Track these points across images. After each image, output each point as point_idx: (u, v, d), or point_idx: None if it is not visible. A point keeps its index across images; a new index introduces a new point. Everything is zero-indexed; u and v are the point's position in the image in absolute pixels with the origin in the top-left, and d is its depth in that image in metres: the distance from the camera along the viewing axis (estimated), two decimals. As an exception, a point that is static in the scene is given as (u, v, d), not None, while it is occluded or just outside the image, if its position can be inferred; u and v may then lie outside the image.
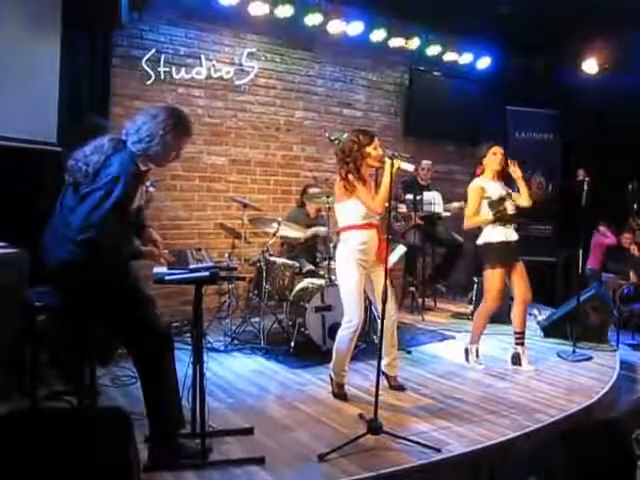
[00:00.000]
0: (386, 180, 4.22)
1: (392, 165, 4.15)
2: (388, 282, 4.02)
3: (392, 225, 7.49)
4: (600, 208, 7.18)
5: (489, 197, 5.20)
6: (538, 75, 9.09)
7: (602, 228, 8.66)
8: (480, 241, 5.32)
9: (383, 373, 4.65)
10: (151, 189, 5.64)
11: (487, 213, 5.22)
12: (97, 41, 5.91)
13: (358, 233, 4.40)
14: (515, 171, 5.33)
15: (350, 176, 4.36)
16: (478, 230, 5.36)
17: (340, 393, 4.55)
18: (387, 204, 4.17)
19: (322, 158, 8.07)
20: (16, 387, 3.86)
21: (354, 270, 4.37)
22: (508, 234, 5.22)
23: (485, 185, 5.24)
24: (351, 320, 4.39)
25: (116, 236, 3.15)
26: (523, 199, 5.32)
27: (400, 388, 4.72)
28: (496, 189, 5.24)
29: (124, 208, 3.17)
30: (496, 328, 6.11)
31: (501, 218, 5.18)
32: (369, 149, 4.41)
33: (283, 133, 7.77)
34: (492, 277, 5.22)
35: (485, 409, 4.34)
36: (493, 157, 5.28)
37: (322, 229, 6.42)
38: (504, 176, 5.40)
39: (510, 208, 5.22)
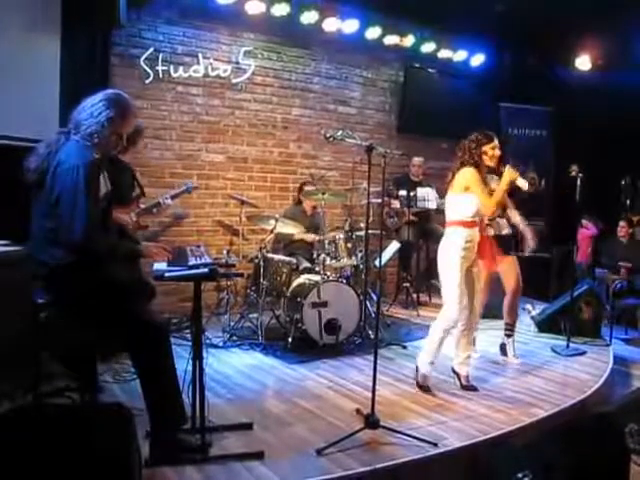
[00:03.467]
0: (502, 185, 4.40)
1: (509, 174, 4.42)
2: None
3: (385, 221, 7.58)
4: (593, 204, 7.24)
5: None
6: (531, 72, 9.12)
7: (584, 221, 8.71)
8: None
9: (453, 371, 4.78)
10: (169, 201, 5.71)
11: None
12: (96, 40, 5.94)
13: (464, 230, 4.46)
14: None
15: (472, 170, 4.45)
16: None
17: (424, 385, 4.62)
18: (381, 201, 4.23)
19: (318, 155, 8.12)
20: (19, 384, 3.89)
21: (457, 266, 4.43)
22: (499, 228, 5.34)
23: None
24: (448, 311, 4.49)
25: (102, 227, 3.22)
26: None
27: (472, 388, 4.68)
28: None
29: (95, 196, 3.19)
30: (491, 323, 6.17)
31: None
32: (486, 147, 4.52)
33: (280, 131, 7.81)
34: None
35: (481, 404, 4.39)
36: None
37: (312, 237, 6.47)
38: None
39: None
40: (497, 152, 4.55)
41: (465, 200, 4.45)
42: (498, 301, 5.68)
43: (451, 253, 4.46)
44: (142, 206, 5.40)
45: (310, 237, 6.50)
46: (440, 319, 4.56)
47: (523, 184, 4.53)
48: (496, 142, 4.60)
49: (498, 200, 4.42)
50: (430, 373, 4.65)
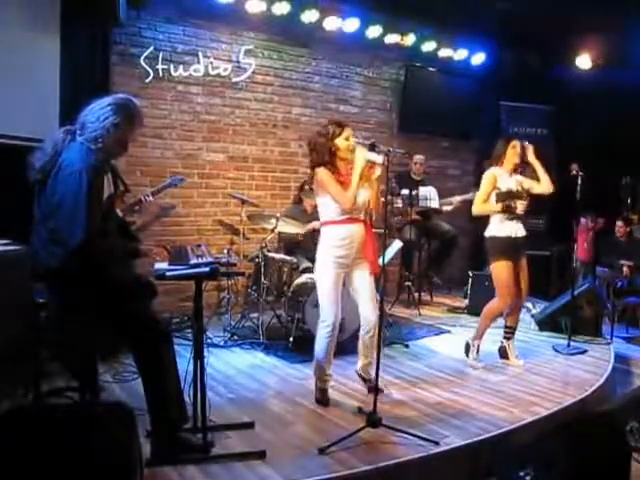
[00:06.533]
0: (354, 174, 4.08)
1: (360, 155, 4.06)
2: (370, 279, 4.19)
3: (389, 220, 7.57)
4: (593, 202, 7.23)
5: (499, 188, 5.15)
6: (532, 71, 9.12)
7: (583, 220, 8.67)
8: (487, 234, 5.27)
9: (358, 374, 4.56)
10: (150, 198, 5.64)
11: (495, 203, 5.16)
12: (96, 39, 5.92)
13: (335, 229, 4.19)
14: (529, 155, 5.27)
15: (321, 170, 4.15)
16: (480, 223, 5.38)
17: (323, 399, 4.34)
18: (383, 198, 4.11)
19: (319, 154, 8.09)
20: (20, 383, 3.89)
21: (329, 268, 4.19)
22: (515, 230, 5.17)
23: (499, 176, 5.19)
24: (324, 320, 4.24)
25: (103, 231, 3.22)
26: (543, 186, 5.26)
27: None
28: (508, 183, 5.18)
29: (97, 200, 3.20)
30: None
31: (508, 212, 5.14)
32: (339, 140, 4.17)
33: (280, 130, 7.80)
34: (497, 270, 5.17)
35: (482, 402, 4.40)
36: (512, 151, 5.22)
37: (317, 223, 6.45)
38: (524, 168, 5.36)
39: (520, 208, 5.16)
40: (352, 141, 4.17)
41: (325, 202, 4.22)
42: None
43: (323, 256, 4.25)
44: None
45: (317, 224, 6.48)
46: (319, 329, 4.31)
47: (374, 157, 4.05)
48: (349, 131, 4.22)
49: (352, 192, 4.05)
50: (328, 386, 4.42)
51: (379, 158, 4.05)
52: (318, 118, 8.04)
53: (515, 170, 5.27)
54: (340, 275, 4.25)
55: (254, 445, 3.56)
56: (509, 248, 5.16)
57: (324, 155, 4.17)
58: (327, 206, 4.22)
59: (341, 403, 4.36)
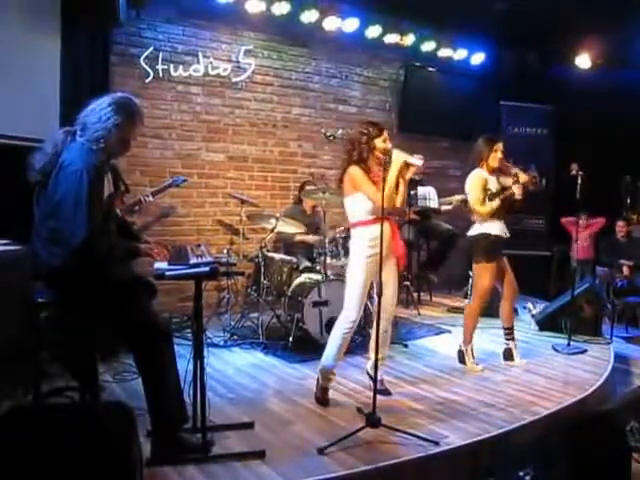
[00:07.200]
0: (391, 175, 4.09)
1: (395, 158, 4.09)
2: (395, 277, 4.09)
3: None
4: (594, 202, 7.23)
5: (489, 189, 5.09)
6: (532, 70, 9.13)
7: (581, 221, 8.63)
8: (471, 233, 5.23)
9: (368, 374, 4.53)
10: (150, 198, 5.63)
11: (492, 202, 5.07)
12: (96, 39, 5.95)
13: (367, 229, 4.20)
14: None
15: (355, 168, 4.21)
16: (471, 222, 5.30)
17: (323, 398, 4.35)
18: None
19: (319, 154, 8.11)
20: (20, 383, 3.89)
21: (362, 268, 4.20)
22: (504, 229, 5.14)
23: (487, 177, 5.14)
24: (349, 316, 4.27)
25: (103, 230, 3.23)
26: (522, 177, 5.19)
27: (386, 393, 4.48)
28: (493, 183, 5.13)
29: (98, 200, 3.20)
30: (489, 322, 6.14)
31: (511, 201, 5.07)
32: (377, 141, 4.23)
33: (280, 130, 7.81)
34: (481, 272, 5.15)
35: (482, 402, 4.39)
36: (494, 154, 5.14)
37: (313, 238, 6.46)
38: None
39: (518, 192, 5.04)
40: (389, 144, 4.24)
41: (357, 200, 4.24)
42: (494, 300, 5.67)
43: (357, 256, 4.26)
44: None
45: (311, 239, 6.50)
46: (341, 323, 4.32)
47: (414, 161, 4.20)
48: (386, 134, 4.29)
49: (390, 191, 4.07)
50: (330, 385, 4.42)
51: (419, 161, 4.22)
52: (318, 118, 8.06)
53: (493, 172, 5.21)
54: (371, 275, 4.28)
55: (254, 445, 3.55)
56: (494, 248, 5.12)
57: (363, 153, 4.23)
58: (357, 205, 4.25)
59: (341, 403, 4.35)
